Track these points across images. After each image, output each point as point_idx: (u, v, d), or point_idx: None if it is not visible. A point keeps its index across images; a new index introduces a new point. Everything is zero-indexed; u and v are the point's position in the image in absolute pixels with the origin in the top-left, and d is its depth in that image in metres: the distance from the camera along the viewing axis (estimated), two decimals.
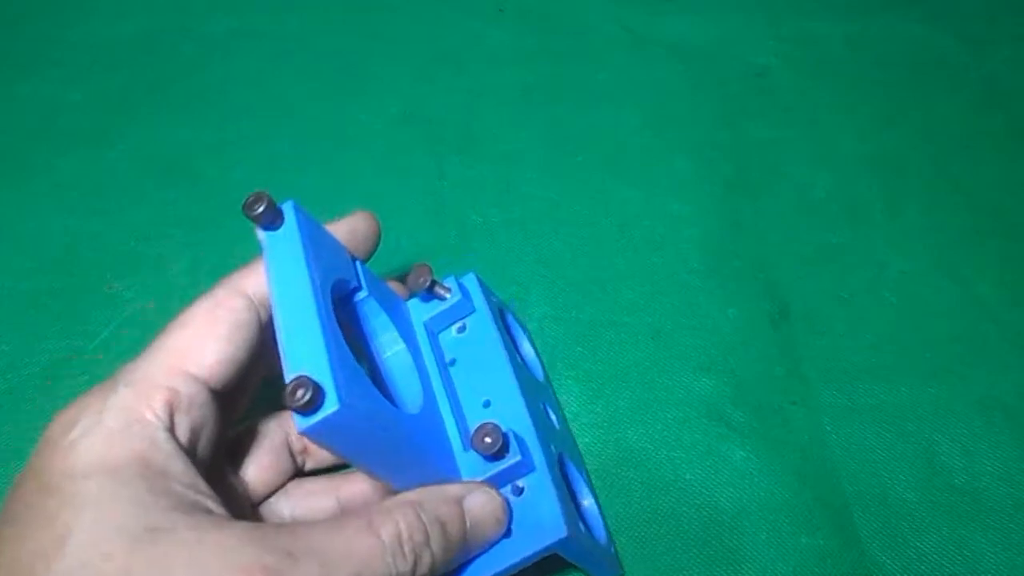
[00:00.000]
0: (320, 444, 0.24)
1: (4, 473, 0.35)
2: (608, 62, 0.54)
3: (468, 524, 0.27)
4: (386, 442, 0.26)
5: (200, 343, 0.26)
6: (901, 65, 0.56)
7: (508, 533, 0.28)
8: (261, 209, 0.27)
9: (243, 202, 0.26)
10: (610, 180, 0.47)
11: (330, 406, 0.23)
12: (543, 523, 0.28)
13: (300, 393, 0.22)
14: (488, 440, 0.27)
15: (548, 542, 0.28)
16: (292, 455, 0.32)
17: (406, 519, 0.25)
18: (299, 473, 0.33)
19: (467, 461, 0.29)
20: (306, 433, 0.23)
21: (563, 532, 0.28)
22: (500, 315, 0.35)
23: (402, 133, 0.50)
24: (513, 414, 0.30)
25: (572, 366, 0.39)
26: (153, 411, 0.25)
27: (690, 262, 0.43)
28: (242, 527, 0.23)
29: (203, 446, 0.27)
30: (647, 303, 0.41)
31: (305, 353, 0.24)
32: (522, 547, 0.28)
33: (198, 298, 0.27)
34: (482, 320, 0.33)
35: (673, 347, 0.39)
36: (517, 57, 0.55)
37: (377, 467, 0.26)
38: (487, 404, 0.31)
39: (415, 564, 0.25)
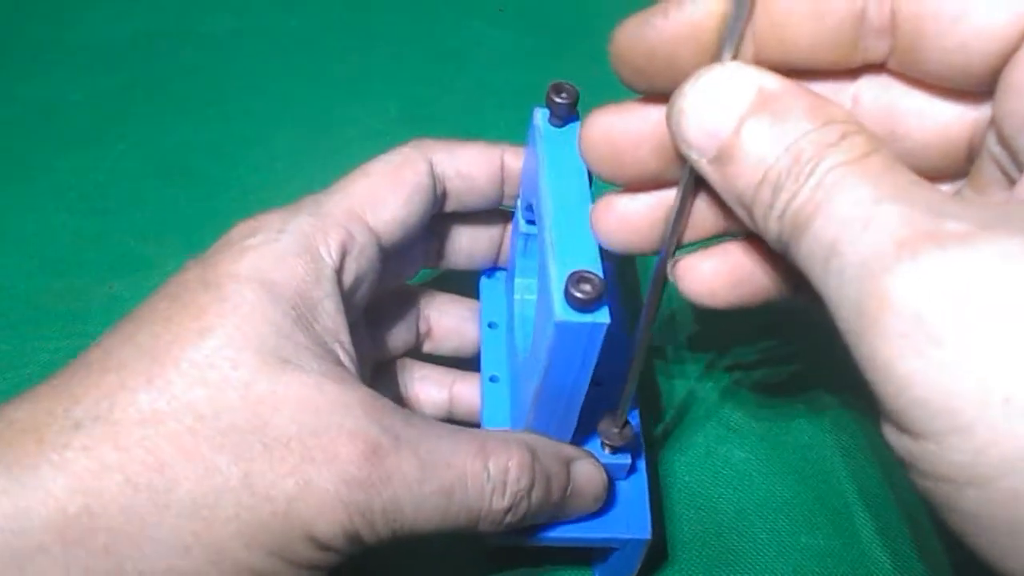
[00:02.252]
0: (557, 340, 0.23)
1: None
2: (608, 62, 0.54)
3: (570, 490, 0.27)
4: (585, 374, 0.25)
5: (381, 196, 0.27)
6: None
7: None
8: (565, 100, 0.27)
9: (550, 85, 0.27)
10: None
11: (602, 317, 0.23)
12: (629, 516, 0.28)
13: (586, 288, 0.22)
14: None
15: (629, 536, 0.28)
16: (418, 332, 0.33)
17: (520, 460, 0.25)
18: (414, 352, 0.33)
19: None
20: (563, 326, 0.22)
21: (647, 534, 0.28)
22: None
23: (402, 133, 0.50)
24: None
25: None
26: (327, 246, 0.26)
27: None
28: (364, 392, 0.23)
29: (359, 298, 0.27)
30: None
31: (584, 252, 0.24)
32: (601, 528, 0.28)
33: (386, 151, 0.28)
34: None
35: (671, 349, 0.39)
36: (517, 57, 0.55)
37: (558, 390, 0.25)
38: (598, 383, 0.30)
39: (511, 507, 0.25)
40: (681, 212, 0.22)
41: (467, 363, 0.34)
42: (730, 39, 0.19)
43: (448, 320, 0.33)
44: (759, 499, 0.34)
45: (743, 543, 0.33)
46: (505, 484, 0.24)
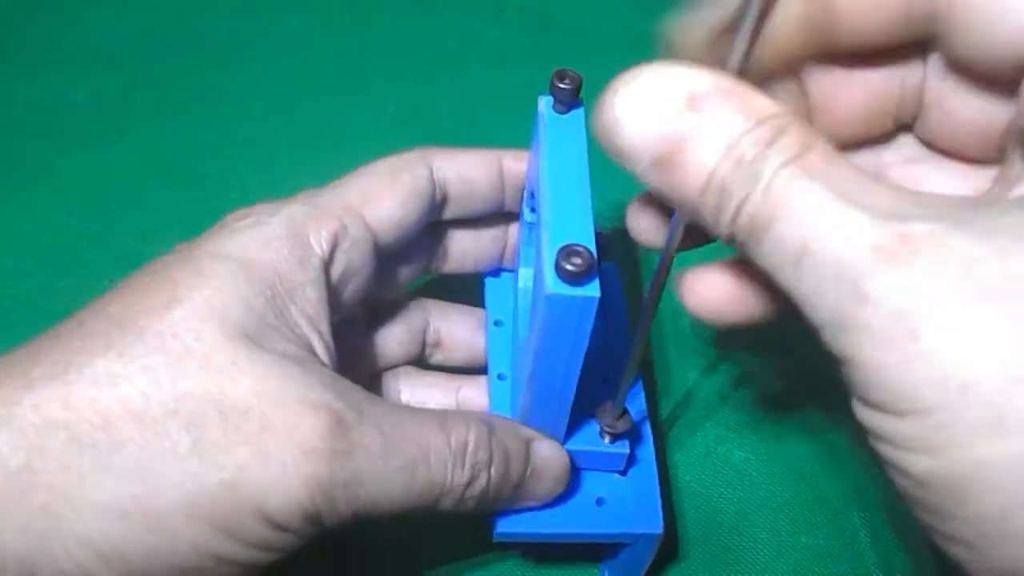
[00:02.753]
0: (548, 315, 0.23)
1: None
2: (608, 62, 0.54)
3: (529, 469, 0.26)
4: (578, 352, 0.25)
5: (378, 194, 0.27)
6: None
7: (599, 502, 0.28)
8: (568, 86, 0.27)
9: (554, 71, 0.28)
10: (610, 180, 0.47)
11: (592, 291, 0.23)
12: (640, 511, 0.28)
13: (576, 261, 0.22)
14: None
15: (641, 531, 0.28)
16: (424, 343, 0.33)
17: (477, 433, 0.25)
18: (418, 362, 0.33)
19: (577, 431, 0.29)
20: (553, 299, 0.22)
21: (659, 528, 0.28)
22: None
23: (402, 133, 0.50)
24: (632, 394, 0.30)
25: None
26: (318, 235, 0.26)
27: (690, 261, 0.43)
28: (328, 373, 0.23)
29: (350, 292, 0.27)
30: None
31: (577, 227, 0.24)
32: (612, 523, 0.28)
33: (386, 156, 0.28)
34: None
35: (673, 348, 0.39)
36: (517, 57, 0.55)
37: (551, 369, 0.25)
38: (605, 381, 0.30)
39: (470, 480, 0.25)
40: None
41: (477, 372, 0.34)
42: (739, 38, 0.19)
43: (459, 331, 0.33)
44: (759, 499, 0.34)
45: (743, 543, 0.33)
46: (464, 456, 0.24)
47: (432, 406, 0.32)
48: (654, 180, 0.19)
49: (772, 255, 0.17)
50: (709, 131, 0.18)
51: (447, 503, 0.25)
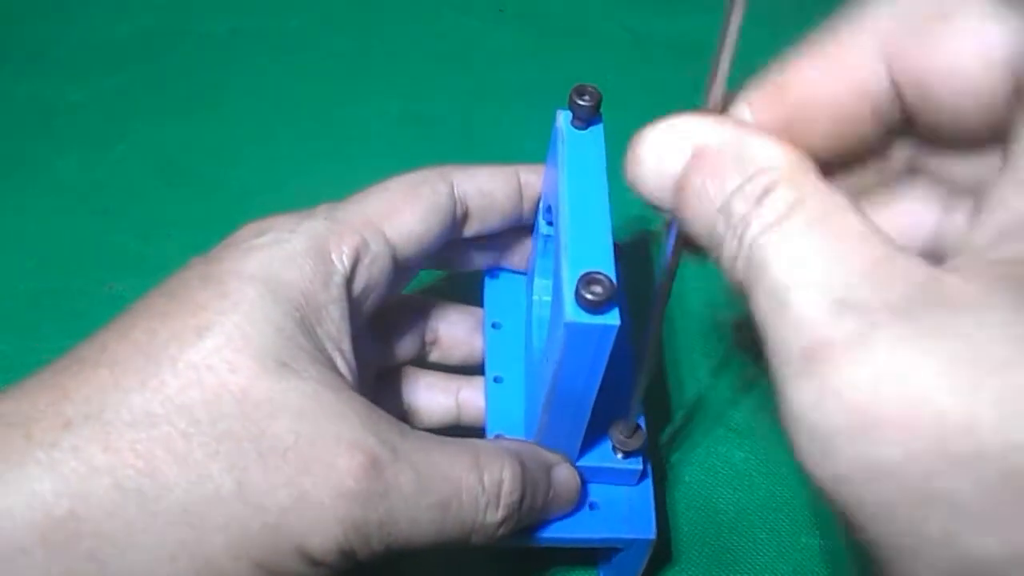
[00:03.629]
0: (568, 342, 0.23)
1: None
2: (608, 62, 0.54)
3: (551, 494, 0.27)
4: (596, 377, 0.25)
5: (399, 209, 0.27)
6: None
7: (592, 507, 0.28)
8: (588, 103, 0.27)
9: (573, 88, 0.28)
10: (610, 180, 0.47)
11: (612, 319, 0.23)
12: (634, 516, 0.28)
13: (597, 289, 0.22)
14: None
15: (634, 536, 0.28)
16: (424, 342, 0.33)
17: (512, 473, 0.25)
18: (419, 360, 0.33)
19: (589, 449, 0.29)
20: (573, 327, 0.23)
21: (652, 534, 0.28)
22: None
23: (402, 133, 0.50)
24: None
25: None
26: (340, 251, 0.25)
27: (690, 262, 0.43)
28: (360, 403, 0.23)
29: (367, 307, 0.27)
30: (646, 304, 0.41)
31: (597, 252, 0.24)
32: (606, 528, 0.28)
33: (405, 172, 0.28)
34: None
35: (672, 348, 0.39)
36: (517, 57, 0.55)
37: (569, 392, 0.25)
38: (603, 389, 0.30)
39: (504, 520, 0.25)
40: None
41: (474, 370, 0.34)
42: (715, 81, 0.20)
43: (457, 330, 0.33)
44: (759, 499, 0.34)
45: (743, 543, 0.33)
46: (499, 497, 0.24)
47: (434, 407, 0.32)
48: (677, 215, 0.20)
49: (756, 311, 0.18)
50: (707, 186, 0.18)
51: (478, 539, 0.25)
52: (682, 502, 0.34)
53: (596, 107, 0.28)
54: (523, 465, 0.25)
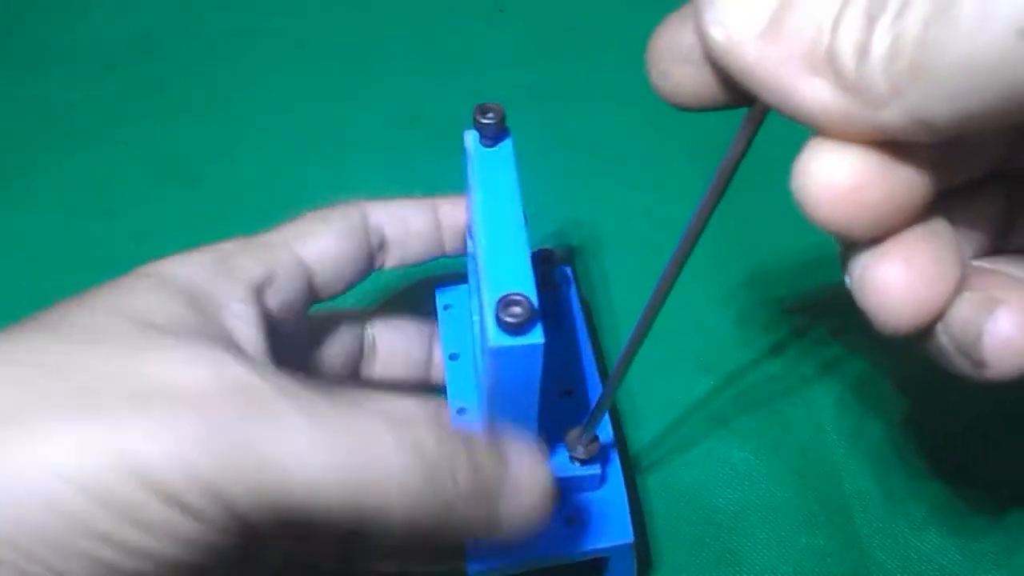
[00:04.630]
0: (494, 365, 0.23)
1: None
2: (608, 62, 0.54)
3: (507, 481, 0.22)
4: (531, 393, 0.25)
5: (311, 232, 0.28)
6: None
7: (569, 521, 0.28)
8: (492, 120, 0.27)
9: (476, 107, 0.28)
10: (610, 180, 0.47)
11: (535, 338, 0.22)
12: (610, 523, 0.28)
13: (516, 311, 0.22)
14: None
15: (611, 544, 0.28)
16: (361, 352, 0.33)
17: (427, 415, 0.21)
18: (358, 377, 0.33)
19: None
20: (497, 351, 0.22)
21: (629, 536, 0.28)
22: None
23: (402, 133, 0.50)
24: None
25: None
26: (251, 265, 0.26)
27: (690, 262, 0.43)
28: (249, 358, 0.22)
29: (285, 326, 0.27)
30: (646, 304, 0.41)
31: (515, 272, 0.24)
32: (583, 541, 0.28)
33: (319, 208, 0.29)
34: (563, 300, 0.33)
35: (672, 349, 0.39)
36: (517, 57, 0.55)
37: (507, 412, 0.25)
38: (568, 393, 0.30)
39: (430, 483, 0.20)
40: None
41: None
42: None
43: (395, 338, 0.33)
44: (759, 499, 0.34)
45: (743, 543, 0.33)
46: (419, 448, 0.20)
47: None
48: (761, 53, 0.16)
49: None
50: None
51: (402, 521, 0.20)
52: (682, 502, 0.34)
53: (501, 123, 0.28)
54: (445, 416, 0.22)
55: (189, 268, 0.25)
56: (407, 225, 0.30)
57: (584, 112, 0.51)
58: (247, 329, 0.24)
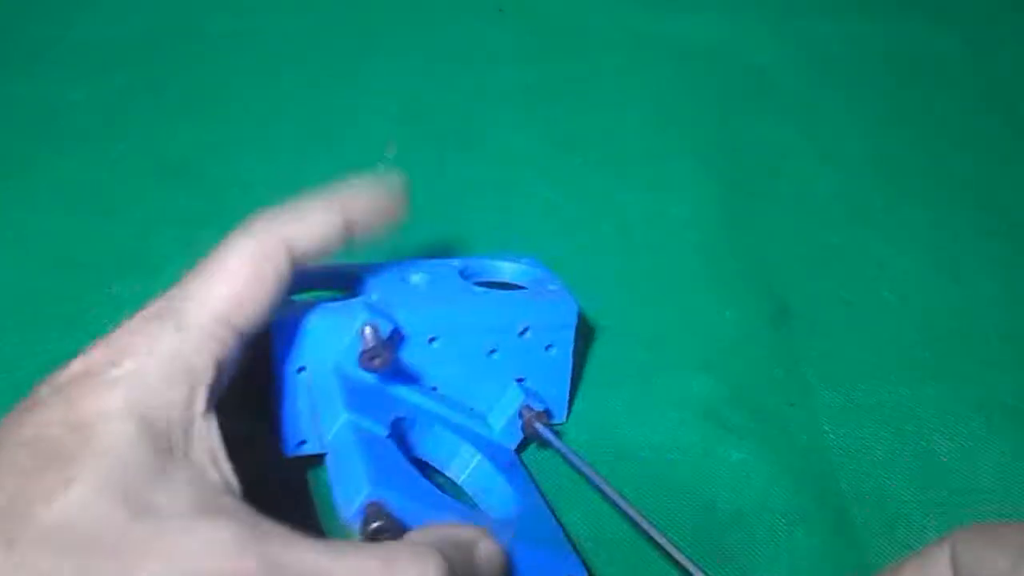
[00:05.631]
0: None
1: None
2: (608, 62, 0.54)
3: None
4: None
5: (247, 296, 0.26)
6: (902, 65, 0.56)
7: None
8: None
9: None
10: (610, 180, 0.47)
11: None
12: (558, 568, 0.29)
13: (375, 524, 0.24)
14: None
15: None
16: None
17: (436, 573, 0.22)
18: None
19: None
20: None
21: (582, 572, 0.29)
22: None
23: (402, 133, 0.50)
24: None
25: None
26: (202, 365, 0.24)
27: (689, 263, 0.43)
28: (239, 524, 0.21)
29: (226, 385, 0.26)
30: (646, 304, 0.41)
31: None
32: None
33: (240, 237, 0.27)
34: None
35: (671, 348, 0.39)
36: (517, 57, 0.55)
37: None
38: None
39: None
40: None
41: None
42: None
43: None
44: (757, 499, 0.34)
45: (741, 543, 0.33)
46: None
47: None
48: None
49: None
50: None
51: None
52: (680, 502, 0.34)
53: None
54: (447, 559, 0.23)
55: (157, 401, 0.23)
56: (315, 233, 0.28)
57: (584, 112, 0.51)
58: (212, 448, 0.23)
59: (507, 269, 0.36)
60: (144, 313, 0.25)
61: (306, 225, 0.28)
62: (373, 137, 0.50)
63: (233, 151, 0.49)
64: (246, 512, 0.22)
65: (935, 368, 0.39)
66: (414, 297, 0.32)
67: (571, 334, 0.34)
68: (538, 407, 0.32)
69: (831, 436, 0.36)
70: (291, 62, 0.54)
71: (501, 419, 0.33)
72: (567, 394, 0.35)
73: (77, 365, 0.23)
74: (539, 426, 0.32)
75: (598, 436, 0.36)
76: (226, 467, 0.24)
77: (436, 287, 0.32)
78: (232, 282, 0.26)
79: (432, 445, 0.31)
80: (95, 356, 0.24)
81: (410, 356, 0.31)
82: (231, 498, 0.23)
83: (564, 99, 0.52)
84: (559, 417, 0.36)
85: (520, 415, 0.32)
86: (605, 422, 0.37)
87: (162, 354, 0.23)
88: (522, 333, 0.33)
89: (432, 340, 0.31)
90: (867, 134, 0.51)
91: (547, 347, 0.33)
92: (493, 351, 0.32)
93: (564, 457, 0.32)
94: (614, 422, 0.37)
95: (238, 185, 0.47)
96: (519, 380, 0.34)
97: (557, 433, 0.32)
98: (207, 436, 0.24)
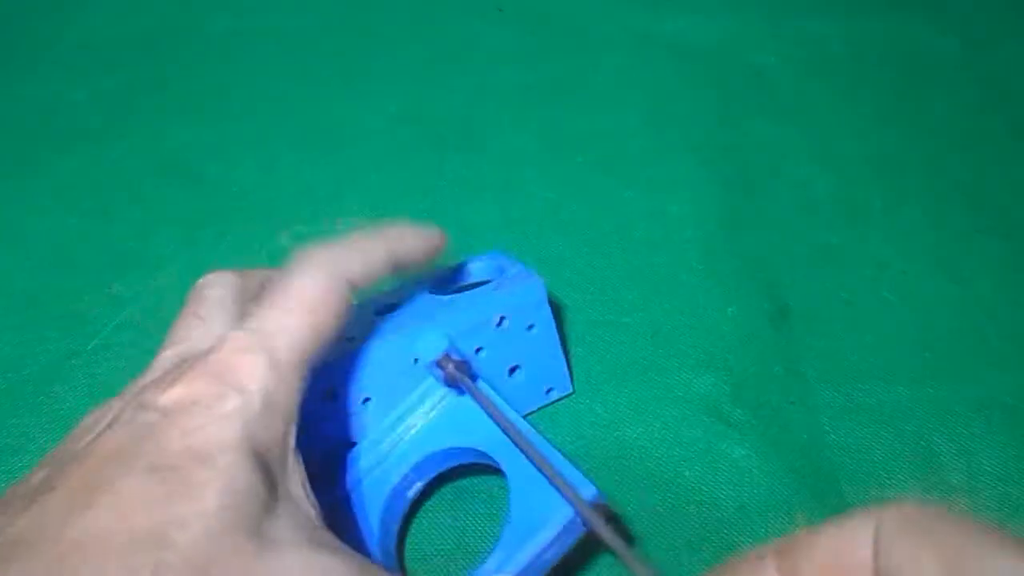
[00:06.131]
0: None
1: (3, 471, 0.35)
2: (608, 62, 0.54)
3: None
4: None
5: (323, 331, 0.26)
6: (901, 65, 0.56)
7: None
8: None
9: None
10: (610, 180, 0.47)
11: None
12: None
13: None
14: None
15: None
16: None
17: None
18: None
19: None
20: None
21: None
22: None
23: (402, 133, 0.50)
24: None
25: (571, 366, 0.39)
26: (290, 402, 0.24)
27: (689, 262, 0.43)
28: (349, 556, 0.22)
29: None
30: (646, 303, 0.41)
31: None
32: None
33: (309, 268, 0.26)
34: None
35: (672, 346, 0.39)
36: (517, 57, 0.55)
37: None
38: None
39: None
40: None
41: None
42: None
43: None
44: (759, 496, 0.34)
45: (742, 540, 0.33)
46: None
47: None
48: None
49: None
50: None
51: None
52: (682, 498, 0.34)
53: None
54: None
55: (266, 436, 0.23)
56: (371, 269, 0.29)
57: (584, 112, 0.51)
58: (300, 480, 0.24)
59: (473, 269, 0.36)
60: (233, 345, 0.24)
61: (362, 260, 0.28)
62: (372, 137, 0.50)
63: (233, 151, 0.49)
64: (341, 545, 0.23)
65: (935, 368, 0.39)
66: (390, 324, 0.32)
67: (547, 310, 0.34)
68: (456, 356, 0.31)
69: (831, 434, 0.37)
70: (291, 62, 0.54)
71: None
72: (565, 365, 0.36)
73: (179, 392, 0.23)
74: (458, 375, 0.31)
75: (600, 433, 0.36)
76: (313, 500, 0.24)
77: (407, 311, 0.33)
78: (312, 317, 0.26)
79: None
80: (199, 387, 0.23)
81: (399, 377, 0.31)
82: (327, 531, 0.23)
83: (564, 99, 0.52)
84: (564, 389, 0.36)
85: (438, 366, 0.31)
86: (607, 419, 0.37)
87: (262, 391, 0.23)
88: (499, 324, 0.33)
89: (416, 360, 0.31)
90: (867, 134, 0.51)
91: (528, 328, 0.34)
92: (479, 349, 0.33)
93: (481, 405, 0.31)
94: (616, 419, 0.37)
95: (238, 185, 0.47)
96: (514, 368, 0.34)
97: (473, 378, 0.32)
98: (298, 470, 0.24)
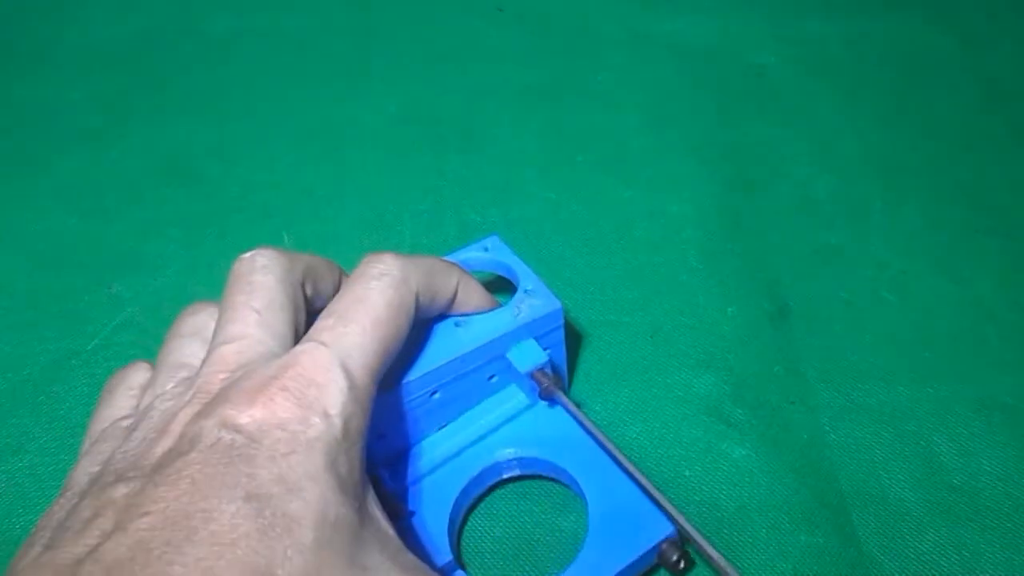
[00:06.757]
0: None
1: (3, 471, 0.35)
2: (608, 62, 0.54)
3: None
4: None
5: (387, 351, 0.26)
6: (901, 65, 0.56)
7: None
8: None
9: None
10: (610, 180, 0.47)
11: None
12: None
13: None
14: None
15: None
16: None
17: None
18: None
19: None
20: None
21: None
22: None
23: (402, 133, 0.50)
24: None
25: (571, 366, 0.39)
26: (365, 424, 0.24)
27: (689, 262, 0.43)
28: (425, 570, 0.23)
29: None
30: (646, 303, 0.41)
31: None
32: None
33: (382, 282, 0.26)
34: None
35: (672, 346, 0.39)
36: (517, 57, 0.55)
37: None
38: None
39: None
40: None
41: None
42: None
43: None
44: (759, 496, 0.34)
45: (743, 540, 0.33)
46: None
47: None
48: None
49: None
50: None
51: None
52: (681, 498, 0.34)
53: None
54: None
55: (346, 464, 0.23)
56: (443, 294, 0.29)
57: (584, 112, 0.51)
58: (378, 499, 0.24)
59: (472, 262, 0.36)
60: (311, 362, 0.24)
61: (439, 284, 0.28)
62: (372, 137, 0.50)
63: (233, 151, 0.49)
64: (420, 563, 0.23)
65: (935, 368, 0.39)
66: (411, 362, 0.31)
67: (561, 333, 0.34)
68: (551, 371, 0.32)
69: (831, 434, 0.37)
70: (291, 62, 0.54)
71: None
72: (565, 368, 0.36)
73: (260, 413, 0.22)
74: (555, 389, 0.32)
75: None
76: (390, 522, 0.24)
77: (425, 344, 0.32)
78: (382, 336, 0.25)
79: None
80: (281, 409, 0.22)
81: (416, 410, 0.31)
82: (407, 551, 0.23)
83: (564, 99, 0.52)
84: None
85: (533, 378, 0.32)
86: (607, 418, 0.37)
87: (342, 416, 0.23)
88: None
89: (434, 393, 0.31)
90: (866, 133, 0.51)
91: (544, 349, 0.33)
92: (492, 377, 0.33)
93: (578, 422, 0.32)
94: (616, 419, 0.37)
95: (238, 185, 0.47)
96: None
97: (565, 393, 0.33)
98: (371, 489, 0.24)
